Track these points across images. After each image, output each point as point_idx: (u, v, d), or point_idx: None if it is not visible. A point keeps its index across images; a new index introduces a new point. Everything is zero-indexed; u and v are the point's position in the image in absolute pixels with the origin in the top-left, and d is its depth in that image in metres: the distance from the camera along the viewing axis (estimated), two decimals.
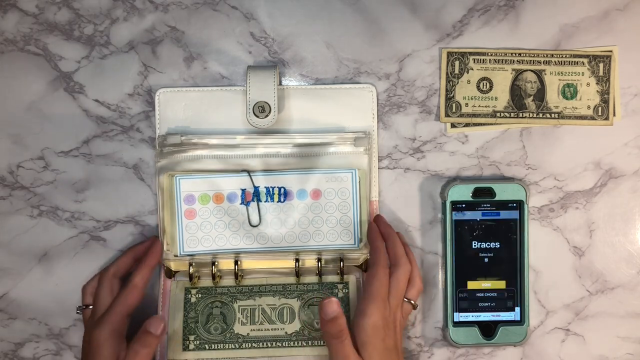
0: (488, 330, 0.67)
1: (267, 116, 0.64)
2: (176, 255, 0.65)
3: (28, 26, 0.67)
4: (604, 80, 0.68)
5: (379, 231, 0.64)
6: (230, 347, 0.64)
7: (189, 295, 0.65)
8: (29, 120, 0.67)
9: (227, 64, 0.68)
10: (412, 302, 0.63)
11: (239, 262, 0.66)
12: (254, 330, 0.65)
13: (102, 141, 0.68)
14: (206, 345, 0.64)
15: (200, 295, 0.65)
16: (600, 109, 0.68)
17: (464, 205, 0.67)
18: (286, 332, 0.65)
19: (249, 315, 0.65)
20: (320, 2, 0.68)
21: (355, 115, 0.67)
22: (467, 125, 0.68)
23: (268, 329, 0.65)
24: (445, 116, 0.68)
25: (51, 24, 0.67)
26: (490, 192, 0.67)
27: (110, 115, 0.68)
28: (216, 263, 0.65)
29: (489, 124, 0.68)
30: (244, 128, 0.66)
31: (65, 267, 0.67)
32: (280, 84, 0.67)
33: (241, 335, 0.65)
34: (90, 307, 0.62)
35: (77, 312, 0.64)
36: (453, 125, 0.68)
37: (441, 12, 0.68)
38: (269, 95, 0.64)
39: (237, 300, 0.65)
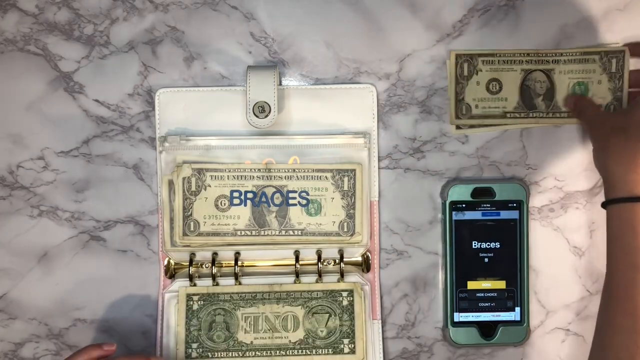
0: (488, 330, 0.67)
1: (267, 116, 0.64)
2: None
3: (28, 26, 0.67)
4: (617, 77, 0.67)
5: None
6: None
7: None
8: (29, 120, 0.67)
9: (227, 64, 0.68)
10: None
11: (239, 262, 0.66)
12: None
13: (102, 141, 0.68)
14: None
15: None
16: (612, 107, 0.68)
17: (464, 205, 0.67)
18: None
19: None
20: (320, 2, 0.68)
21: (355, 115, 0.67)
22: (472, 127, 0.68)
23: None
24: (456, 118, 0.67)
25: (51, 24, 0.67)
26: (490, 192, 0.67)
27: (110, 115, 0.68)
28: (216, 261, 0.65)
29: (499, 125, 0.68)
30: (244, 128, 0.66)
31: (65, 267, 0.67)
32: (280, 84, 0.67)
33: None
34: None
35: None
36: (458, 127, 0.68)
37: (441, 12, 0.68)
38: (269, 95, 0.64)
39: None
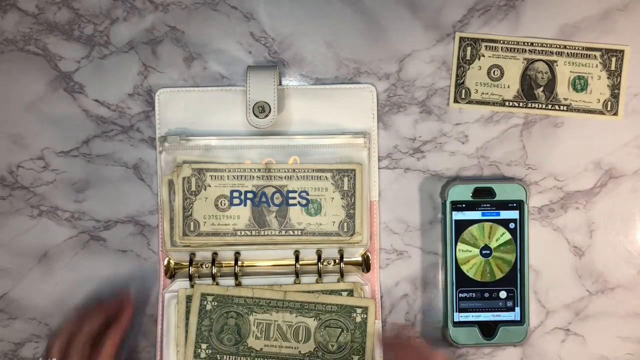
0: (488, 330, 0.67)
1: (267, 116, 0.64)
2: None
3: (28, 26, 0.67)
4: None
5: None
6: None
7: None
8: (29, 120, 0.67)
9: (227, 64, 0.68)
10: None
11: (239, 262, 0.66)
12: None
13: (102, 141, 0.68)
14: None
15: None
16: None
17: (464, 205, 0.67)
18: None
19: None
20: (320, 2, 0.68)
21: (355, 115, 0.67)
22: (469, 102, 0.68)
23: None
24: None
25: (51, 24, 0.67)
26: (490, 192, 0.67)
27: (110, 115, 0.68)
28: (216, 261, 0.65)
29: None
30: (244, 128, 0.66)
31: (65, 267, 0.67)
32: (280, 84, 0.67)
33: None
34: None
35: None
36: (456, 101, 0.68)
37: (441, 12, 0.68)
38: (269, 95, 0.64)
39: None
